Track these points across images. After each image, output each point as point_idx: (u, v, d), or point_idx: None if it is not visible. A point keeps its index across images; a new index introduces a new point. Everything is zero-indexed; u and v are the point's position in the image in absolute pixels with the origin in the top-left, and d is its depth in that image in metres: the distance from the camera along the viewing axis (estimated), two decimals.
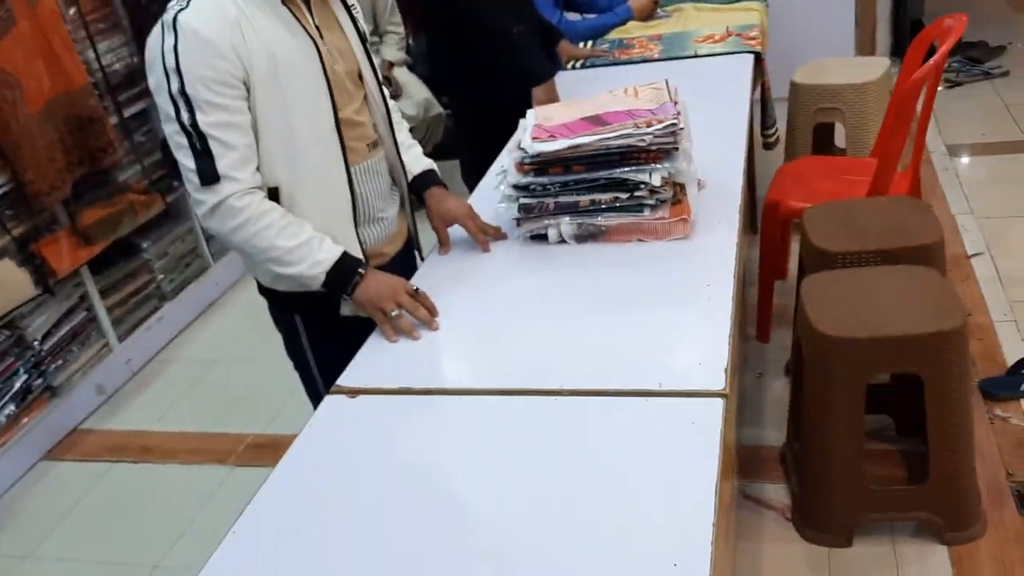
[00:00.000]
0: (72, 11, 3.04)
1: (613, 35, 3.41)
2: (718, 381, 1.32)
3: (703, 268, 1.65)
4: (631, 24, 3.46)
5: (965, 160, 3.94)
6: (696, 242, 1.76)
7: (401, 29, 4.13)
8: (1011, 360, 2.54)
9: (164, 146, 3.46)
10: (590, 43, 3.33)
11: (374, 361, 1.54)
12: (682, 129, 1.76)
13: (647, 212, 1.78)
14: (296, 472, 1.32)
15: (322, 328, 1.67)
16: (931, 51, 2.60)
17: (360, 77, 1.68)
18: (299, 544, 1.16)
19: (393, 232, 1.79)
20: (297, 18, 1.53)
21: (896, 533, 2.06)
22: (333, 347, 1.61)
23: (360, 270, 1.58)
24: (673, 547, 1.04)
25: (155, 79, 1.43)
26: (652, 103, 1.84)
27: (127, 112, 3.29)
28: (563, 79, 2.78)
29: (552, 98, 2.60)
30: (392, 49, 4.10)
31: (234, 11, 1.44)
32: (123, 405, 3.22)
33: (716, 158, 2.04)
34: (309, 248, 1.53)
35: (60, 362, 3.05)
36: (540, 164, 1.81)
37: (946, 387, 1.88)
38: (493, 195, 1.96)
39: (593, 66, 3.11)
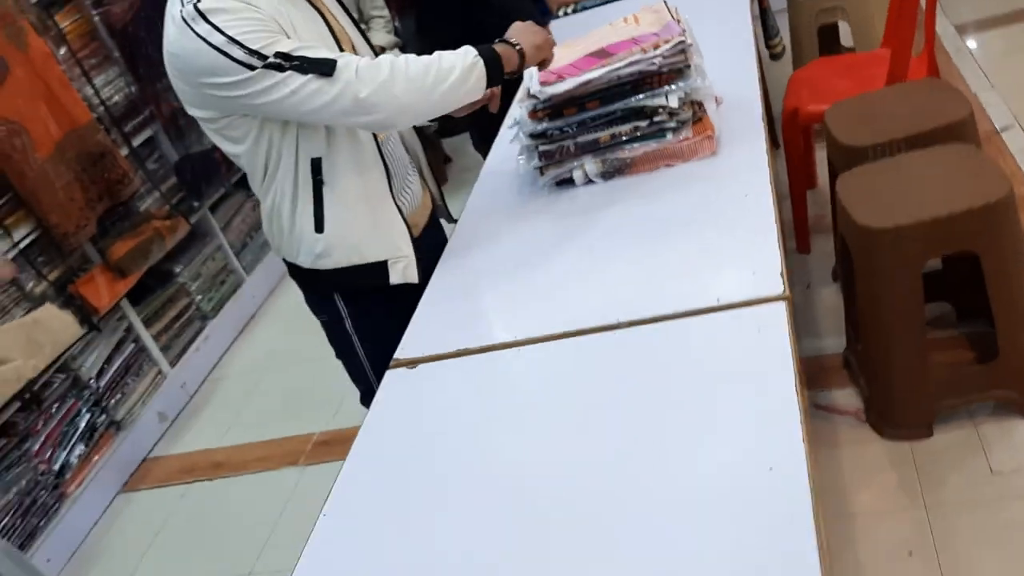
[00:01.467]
0: (63, 50, 3.04)
1: None
2: (776, 286, 1.30)
3: (737, 181, 1.63)
4: None
5: (976, 37, 3.84)
6: (725, 158, 1.73)
7: (386, 12, 4.09)
8: None
9: (179, 169, 3.48)
10: None
11: (427, 329, 1.54)
12: (691, 45, 1.73)
13: (670, 136, 1.75)
14: (372, 449, 1.32)
15: (364, 306, 1.67)
16: None
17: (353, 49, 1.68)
18: (387, 517, 1.16)
19: (419, 203, 1.78)
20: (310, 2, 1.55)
21: (976, 416, 2.03)
22: (377, 324, 1.61)
23: (500, 41, 1.60)
24: (765, 453, 1.03)
25: (206, 64, 1.40)
26: (655, 26, 1.81)
27: (135, 141, 3.31)
28: (557, 28, 2.74)
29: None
30: (380, 34, 4.06)
31: None
32: (186, 427, 3.26)
33: (728, 73, 2.00)
34: (445, 56, 1.52)
35: (119, 396, 3.09)
36: (553, 107, 1.78)
37: (1003, 258, 1.83)
38: (510, 152, 1.94)
39: (584, 8, 3.06)
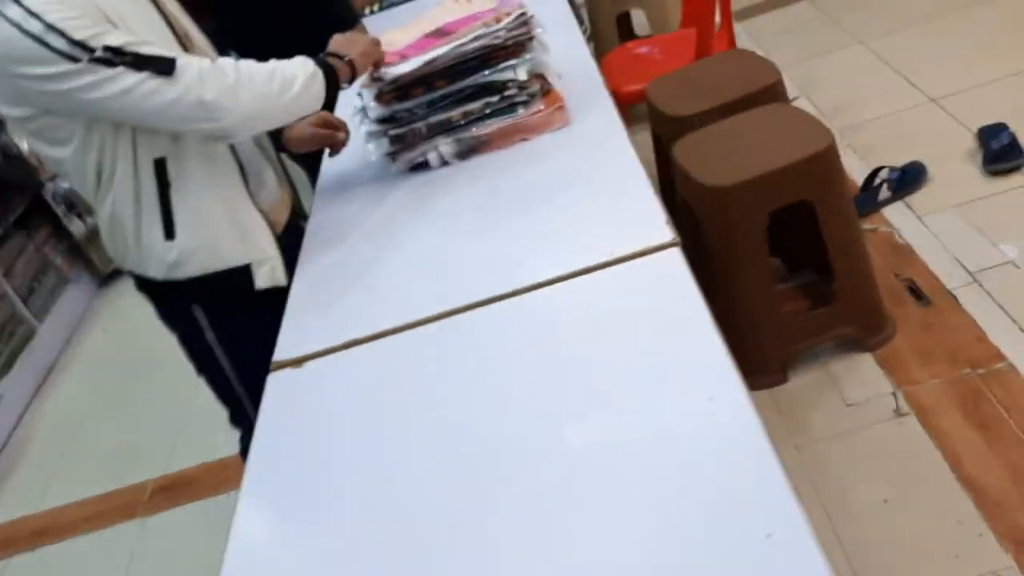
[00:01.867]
0: None
1: None
2: (665, 234, 1.30)
3: (598, 148, 1.63)
4: None
5: (751, 22, 4.14)
6: (578, 128, 1.73)
7: None
8: (860, 180, 2.71)
9: None
10: None
11: (305, 327, 1.42)
12: (532, 16, 1.72)
13: (521, 110, 1.73)
14: (268, 459, 1.19)
15: (226, 314, 1.52)
16: None
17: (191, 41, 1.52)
18: (302, 526, 1.05)
19: (277, 199, 1.65)
20: None
21: (821, 357, 2.16)
22: (242, 332, 1.48)
23: (324, 54, 1.53)
24: (703, 387, 1.02)
25: (19, 54, 1.21)
26: (491, 2, 1.78)
27: None
28: (373, 23, 2.67)
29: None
30: None
31: None
32: None
33: (561, 50, 2.00)
34: (285, 64, 1.44)
35: None
36: (400, 89, 1.71)
37: (835, 203, 1.96)
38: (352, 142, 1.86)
39: (391, 6, 3.01)
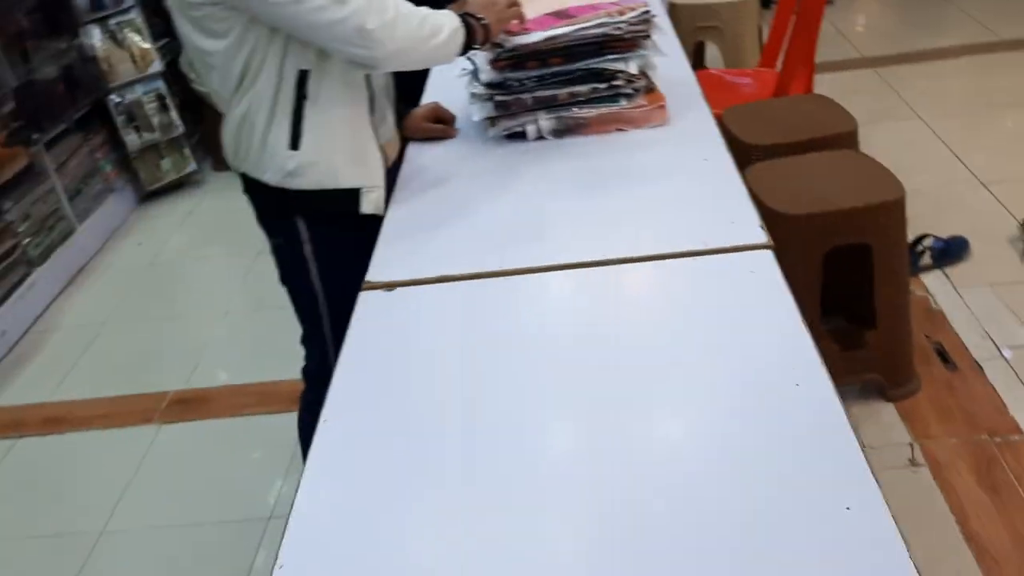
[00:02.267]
0: None
1: None
2: (759, 235, 1.37)
3: (694, 146, 1.71)
4: None
5: (816, 78, 4.23)
6: (675, 127, 1.80)
7: None
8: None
9: (19, 95, 3.13)
10: None
11: (398, 254, 1.48)
12: (655, 17, 1.79)
13: (624, 102, 1.81)
14: (359, 371, 1.24)
15: (326, 231, 1.58)
16: None
17: None
18: (383, 434, 1.10)
19: (392, 137, 1.72)
20: None
21: (846, 399, 2.21)
22: (337, 251, 1.54)
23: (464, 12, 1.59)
24: (788, 371, 1.09)
25: None
26: None
27: None
28: None
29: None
30: None
31: None
32: (8, 382, 2.91)
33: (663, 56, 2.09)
34: (434, 13, 1.50)
35: None
36: (516, 59, 1.78)
37: (893, 254, 2.04)
38: (445, 99, 1.93)
39: None
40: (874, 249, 2.03)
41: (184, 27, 1.43)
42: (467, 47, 1.58)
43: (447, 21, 1.52)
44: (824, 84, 4.14)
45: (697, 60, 3.71)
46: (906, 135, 3.55)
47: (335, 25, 1.36)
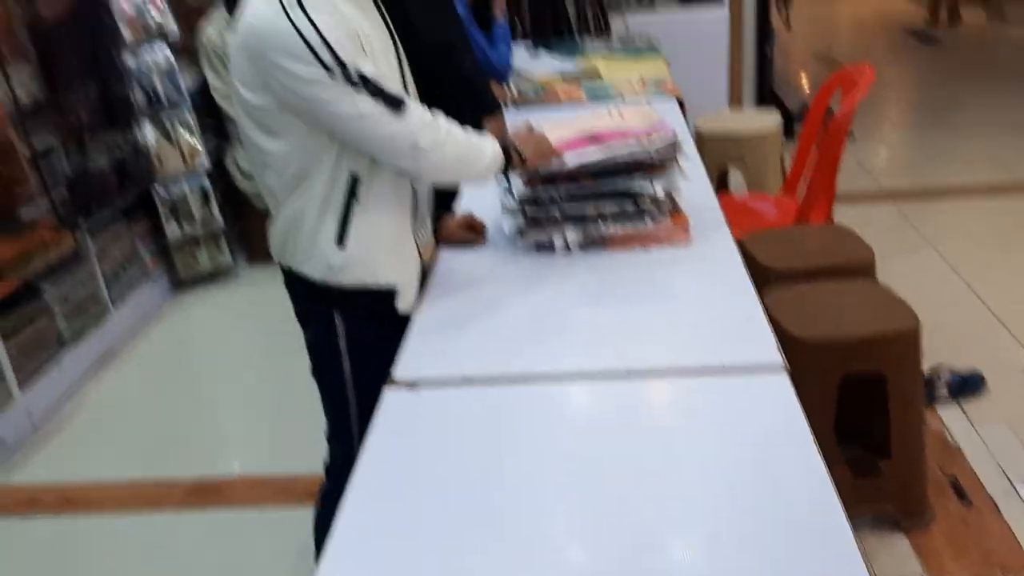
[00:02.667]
0: None
1: (534, 82, 3.56)
2: (776, 358, 1.42)
3: (714, 267, 1.78)
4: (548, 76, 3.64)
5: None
6: (697, 248, 1.88)
7: None
8: None
9: (72, 183, 3.28)
10: (515, 87, 3.47)
11: (424, 353, 1.54)
12: (681, 144, 1.90)
13: (649, 221, 1.89)
14: (380, 466, 1.28)
15: (361, 327, 1.65)
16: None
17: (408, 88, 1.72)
18: (403, 534, 1.13)
19: (427, 241, 1.81)
20: (378, 8, 1.58)
21: (857, 529, 2.20)
22: (370, 348, 1.60)
23: (505, 143, 1.71)
24: (802, 497, 1.11)
25: (289, 49, 1.41)
26: (643, 123, 1.97)
27: (36, 146, 3.11)
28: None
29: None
30: None
31: None
32: (28, 458, 2.95)
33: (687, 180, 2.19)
34: (477, 136, 1.64)
35: None
36: (549, 176, 1.88)
37: (908, 385, 2.07)
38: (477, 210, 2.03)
39: (524, 108, 3.24)
40: (889, 378, 2.06)
41: (247, 126, 1.54)
42: (503, 172, 1.71)
43: (490, 147, 1.65)
44: (844, 214, 4.24)
45: (721, 185, 3.83)
46: (923, 268, 3.62)
47: (390, 139, 1.48)
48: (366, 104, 1.45)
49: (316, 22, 1.40)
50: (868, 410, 2.16)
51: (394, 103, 1.47)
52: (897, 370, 2.05)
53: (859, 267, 2.39)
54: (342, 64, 1.42)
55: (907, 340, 2.03)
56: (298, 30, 1.39)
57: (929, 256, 3.75)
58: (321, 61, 1.41)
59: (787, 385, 1.36)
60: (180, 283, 4.13)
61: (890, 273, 3.54)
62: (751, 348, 1.45)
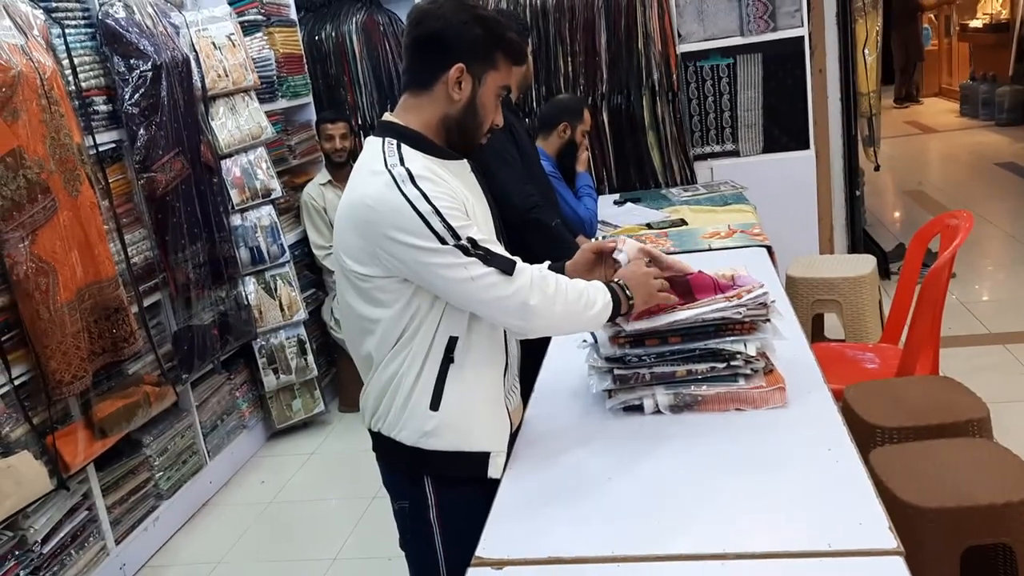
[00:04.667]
0: (105, 203, 3.08)
1: (620, 232, 3.60)
2: (888, 540, 1.32)
3: (815, 433, 1.69)
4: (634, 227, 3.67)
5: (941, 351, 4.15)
6: (794, 411, 1.80)
7: None
8: None
9: (177, 338, 3.42)
10: (601, 237, 3.50)
11: (510, 529, 1.49)
12: (774, 301, 1.85)
13: (742, 381, 1.83)
14: None
15: (452, 495, 1.62)
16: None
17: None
18: None
19: (516, 404, 1.79)
20: (478, 180, 1.64)
21: None
22: (462, 517, 1.57)
23: (618, 283, 1.71)
24: None
25: (402, 223, 1.47)
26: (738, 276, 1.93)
27: (145, 303, 3.27)
28: None
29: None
30: None
31: (437, 168, 1.55)
32: None
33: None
34: (590, 287, 1.64)
35: (57, 568, 2.81)
36: (636, 336, 1.86)
37: None
38: (563, 367, 2.00)
39: None
40: (1017, 551, 1.88)
41: (348, 295, 1.58)
42: (612, 319, 1.69)
43: (600, 297, 1.64)
44: (949, 359, 4.05)
45: (816, 331, 3.73)
46: None
47: (502, 300, 1.51)
48: (477, 268, 1.49)
49: (427, 193, 1.46)
50: None
51: (504, 264, 1.51)
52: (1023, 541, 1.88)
53: (973, 424, 2.24)
54: (453, 232, 1.47)
55: None
56: (411, 203, 1.45)
57: None
58: (434, 231, 1.46)
59: (902, 569, 1.25)
60: (274, 431, 4.19)
61: (1006, 425, 3.31)
62: (861, 529, 1.35)
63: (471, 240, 1.49)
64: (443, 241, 1.47)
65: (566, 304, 1.58)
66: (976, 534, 1.88)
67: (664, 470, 1.63)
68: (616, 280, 1.73)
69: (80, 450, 2.80)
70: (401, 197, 1.47)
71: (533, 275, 1.55)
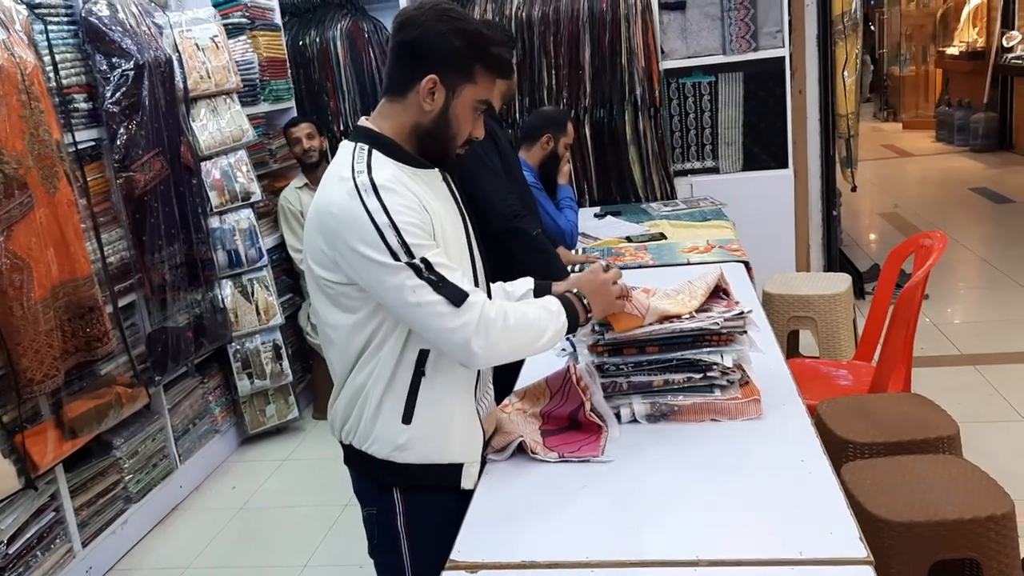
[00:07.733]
0: (83, 202, 3.05)
1: (600, 244, 3.62)
2: (858, 549, 1.33)
3: (789, 445, 1.70)
4: (615, 238, 3.69)
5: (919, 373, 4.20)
6: (768, 420, 1.81)
7: None
8: None
9: (151, 339, 3.39)
10: (582, 249, 3.52)
11: (484, 534, 1.49)
12: (750, 314, 1.87)
13: (718, 392, 1.84)
14: None
15: (421, 504, 1.61)
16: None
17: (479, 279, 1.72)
18: None
19: (489, 411, 1.78)
20: (451, 191, 1.62)
21: None
22: (429, 526, 1.56)
23: (573, 293, 1.70)
24: None
25: (360, 235, 1.45)
26: (709, 289, 1.94)
27: (120, 303, 3.24)
28: None
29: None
30: None
31: (405, 177, 1.52)
32: None
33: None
34: (541, 305, 1.62)
35: (22, 570, 2.76)
36: (614, 345, 1.87)
37: (1003, 571, 1.91)
38: (539, 374, 2.00)
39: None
40: (983, 566, 1.91)
41: (316, 299, 1.57)
42: (569, 333, 1.67)
43: (551, 324, 1.61)
44: (922, 378, 4.10)
45: (791, 348, 3.76)
46: (1011, 440, 3.42)
47: (444, 332, 1.48)
48: (425, 293, 1.45)
49: (387, 205, 1.44)
50: None
51: (454, 294, 1.46)
52: (992, 557, 1.90)
53: (943, 441, 2.27)
54: (407, 249, 1.44)
55: (1000, 525, 1.89)
56: (370, 214, 1.43)
57: (1017, 426, 3.55)
58: (388, 245, 1.43)
59: None
60: (247, 436, 4.16)
61: (975, 444, 3.35)
62: (832, 538, 1.36)
63: (425, 261, 1.45)
64: (396, 257, 1.43)
65: (511, 341, 1.54)
66: (944, 549, 1.91)
67: (639, 478, 1.63)
68: (574, 291, 1.73)
69: (49, 450, 2.76)
70: (361, 207, 1.44)
71: (483, 316, 1.49)
